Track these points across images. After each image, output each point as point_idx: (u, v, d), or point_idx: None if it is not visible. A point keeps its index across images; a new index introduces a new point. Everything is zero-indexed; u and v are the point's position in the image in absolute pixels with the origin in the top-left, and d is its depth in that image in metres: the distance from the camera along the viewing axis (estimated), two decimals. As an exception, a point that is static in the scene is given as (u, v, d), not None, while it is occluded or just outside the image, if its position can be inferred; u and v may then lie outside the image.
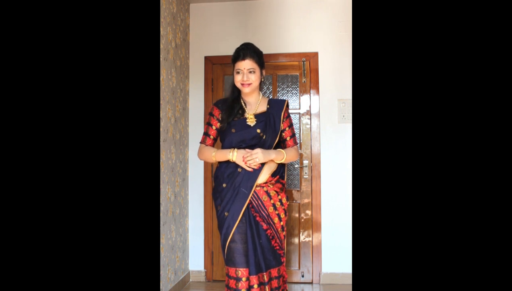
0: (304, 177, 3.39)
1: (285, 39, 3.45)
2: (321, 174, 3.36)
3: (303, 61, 3.43)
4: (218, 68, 3.52)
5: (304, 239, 3.37)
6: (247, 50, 1.96)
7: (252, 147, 1.95)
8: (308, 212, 3.38)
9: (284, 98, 3.18)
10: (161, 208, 2.74)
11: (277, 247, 1.99)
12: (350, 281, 3.15)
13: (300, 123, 3.43)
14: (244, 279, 1.87)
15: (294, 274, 3.35)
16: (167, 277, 2.88)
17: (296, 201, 3.40)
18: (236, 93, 2.07)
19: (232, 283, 1.89)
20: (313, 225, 3.35)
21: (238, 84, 2.00)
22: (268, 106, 2.06)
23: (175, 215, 3.08)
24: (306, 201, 3.39)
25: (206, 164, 3.47)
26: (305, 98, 3.44)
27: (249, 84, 1.97)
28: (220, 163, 2.03)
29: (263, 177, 1.95)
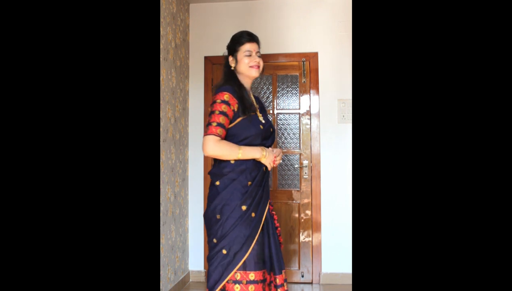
0: (304, 177, 3.39)
1: (285, 39, 3.45)
2: (321, 174, 3.36)
3: (303, 61, 3.43)
4: (218, 68, 3.52)
5: (304, 239, 3.37)
6: (253, 34, 1.88)
7: (271, 144, 1.88)
8: (308, 212, 3.38)
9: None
10: (161, 208, 2.74)
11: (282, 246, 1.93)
12: (350, 281, 3.15)
13: (300, 124, 3.43)
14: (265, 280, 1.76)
15: (294, 274, 3.35)
16: (167, 277, 2.88)
17: (296, 201, 3.40)
18: (238, 82, 1.86)
19: (259, 287, 1.71)
20: (313, 225, 3.35)
21: (245, 67, 1.83)
22: (256, 101, 1.95)
23: (175, 215, 3.08)
24: (306, 201, 3.39)
25: (206, 163, 3.47)
26: (305, 98, 3.43)
27: (259, 67, 1.85)
28: (240, 159, 1.77)
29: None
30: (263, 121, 1.85)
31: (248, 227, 1.70)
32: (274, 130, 1.92)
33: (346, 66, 3.33)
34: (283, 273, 1.77)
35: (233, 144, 1.74)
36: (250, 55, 1.83)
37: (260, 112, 1.90)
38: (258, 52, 1.88)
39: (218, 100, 1.74)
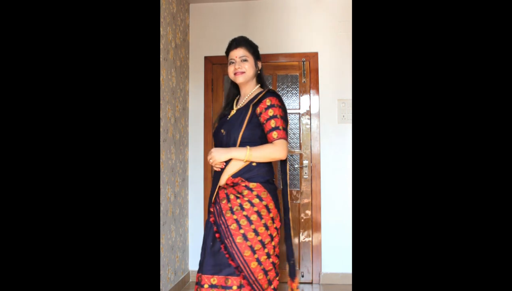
0: (304, 177, 3.39)
1: (285, 39, 3.45)
2: (321, 174, 3.36)
3: (303, 61, 3.43)
4: (218, 68, 3.52)
5: (304, 239, 3.37)
6: (240, 40, 1.91)
7: (218, 145, 1.86)
8: (308, 212, 3.38)
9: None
10: (161, 208, 2.74)
11: (227, 255, 1.72)
12: (350, 281, 3.15)
13: (300, 123, 3.43)
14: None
15: (294, 274, 3.36)
16: (167, 277, 2.88)
17: (296, 201, 3.40)
18: (233, 91, 2.00)
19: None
20: (313, 225, 3.35)
21: (231, 76, 1.89)
22: (252, 97, 1.88)
23: (175, 215, 3.08)
24: (306, 201, 3.39)
25: (206, 163, 3.47)
26: (305, 98, 3.44)
27: (242, 72, 1.86)
28: None
29: (223, 178, 1.79)
30: (221, 126, 1.90)
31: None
32: (227, 129, 1.85)
33: (346, 66, 3.33)
34: (227, 278, 1.72)
35: None
36: (233, 63, 1.89)
37: (239, 111, 1.87)
38: (244, 56, 1.87)
39: None
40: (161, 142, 2.76)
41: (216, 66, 3.52)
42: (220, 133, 1.85)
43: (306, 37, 3.44)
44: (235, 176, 1.78)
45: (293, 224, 3.39)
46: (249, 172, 1.78)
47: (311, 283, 3.34)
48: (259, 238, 1.72)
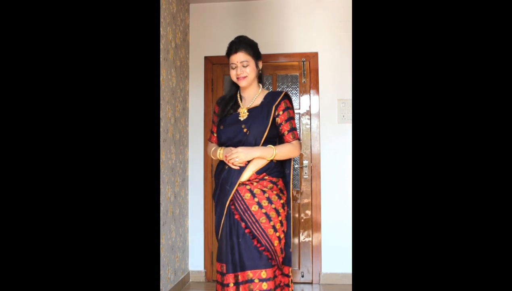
0: (304, 177, 3.39)
1: (285, 39, 3.45)
2: (321, 174, 3.36)
3: (303, 61, 3.43)
4: (218, 68, 3.52)
5: (304, 239, 3.37)
6: (239, 43, 1.93)
7: (237, 144, 1.90)
8: (308, 212, 3.38)
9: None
10: (161, 208, 2.74)
11: (262, 248, 1.84)
12: (350, 281, 3.15)
13: (300, 124, 3.43)
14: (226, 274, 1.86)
15: (294, 274, 3.35)
16: (167, 277, 2.88)
17: (296, 201, 3.40)
18: (234, 89, 2.04)
19: (219, 277, 1.89)
20: (313, 225, 3.35)
21: (234, 79, 1.96)
22: (263, 99, 1.96)
23: (175, 215, 3.08)
24: (306, 201, 3.39)
25: (206, 163, 3.48)
26: (305, 98, 3.44)
27: (244, 77, 1.92)
28: (219, 159, 2.00)
29: (246, 174, 1.86)
30: (242, 120, 1.93)
31: (215, 222, 1.96)
32: (251, 130, 1.89)
33: (346, 66, 3.33)
34: (249, 272, 1.83)
35: (212, 146, 2.04)
36: (235, 68, 1.94)
37: (253, 112, 1.93)
38: (245, 61, 1.92)
39: (212, 111, 2.07)
40: (161, 143, 2.77)
41: (216, 66, 3.52)
42: (242, 132, 1.90)
43: (306, 37, 3.44)
44: (259, 172, 1.88)
45: (292, 224, 3.39)
46: (273, 168, 1.92)
47: (311, 283, 3.34)
48: (283, 228, 1.90)
